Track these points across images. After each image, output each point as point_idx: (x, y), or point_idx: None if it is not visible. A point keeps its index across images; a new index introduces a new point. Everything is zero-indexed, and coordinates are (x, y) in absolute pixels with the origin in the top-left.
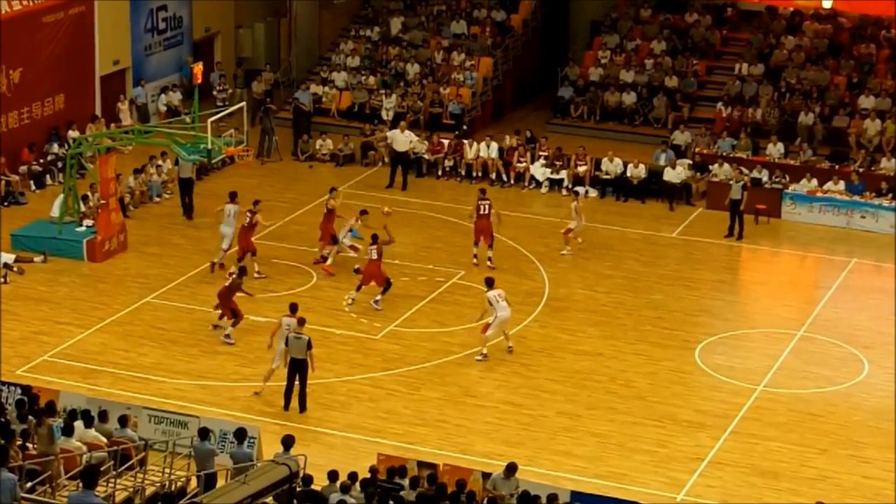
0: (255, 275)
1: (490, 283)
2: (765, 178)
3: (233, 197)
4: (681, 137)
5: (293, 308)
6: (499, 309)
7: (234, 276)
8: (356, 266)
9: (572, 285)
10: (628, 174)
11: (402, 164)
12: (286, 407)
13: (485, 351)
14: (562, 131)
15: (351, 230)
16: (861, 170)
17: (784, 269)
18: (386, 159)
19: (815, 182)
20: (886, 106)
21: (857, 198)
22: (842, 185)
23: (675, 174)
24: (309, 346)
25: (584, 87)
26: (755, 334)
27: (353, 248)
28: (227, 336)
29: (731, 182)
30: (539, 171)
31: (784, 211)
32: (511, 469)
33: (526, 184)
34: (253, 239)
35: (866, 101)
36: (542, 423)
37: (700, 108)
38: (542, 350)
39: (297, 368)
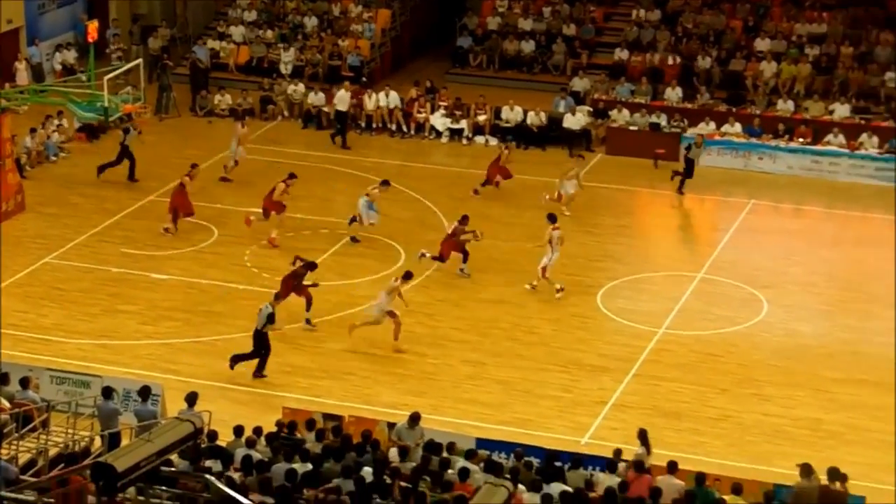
0: (163, 230)
1: (553, 220)
2: (663, 123)
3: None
4: (580, 84)
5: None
6: (555, 250)
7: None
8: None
9: None
10: (528, 122)
11: (342, 123)
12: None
13: (558, 286)
14: (461, 81)
15: (369, 204)
16: (759, 112)
17: (684, 211)
18: (286, 113)
19: (713, 125)
20: (782, 48)
21: (754, 140)
22: (739, 127)
23: (575, 121)
24: (269, 319)
25: (482, 37)
26: (656, 277)
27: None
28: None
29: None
30: (439, 121)
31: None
32: (415, 418)
33: (426, 134)
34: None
35: (762, 44)
36: (446, 371)
37: (598, 55)
38: (445, 300)
39: (254, 338)
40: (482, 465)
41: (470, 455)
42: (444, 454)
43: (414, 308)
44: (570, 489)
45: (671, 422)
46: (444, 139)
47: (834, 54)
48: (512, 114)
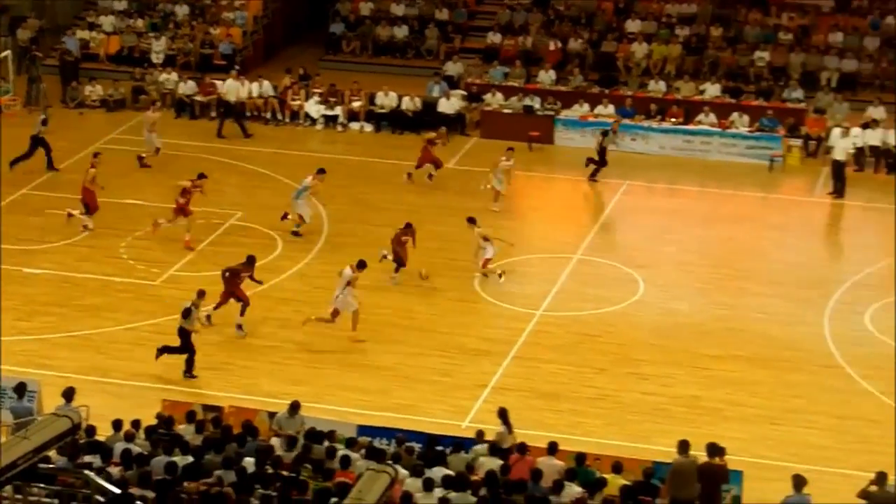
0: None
1: (473, 221)
2: (537, 106)
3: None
4: (453, 68)
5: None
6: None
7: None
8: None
9: (351, 221)
10: (403, 107)
11: (235, 114)
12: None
13: (499, 272)
14: (335, 68)
15: (303, 187)
16: (631, 93)
17: (559, 194)
18: (158, 103)
19: (586, 107)
20: (653, 29)
21: (627, 121)
22: (612, 108)
23: (450, 105)
24: (183, 314)
25: (355, 23)
26: (533, 259)
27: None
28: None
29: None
30: (313, 108)
31: (557, 137)
32: (294, 407)
33: (301, 121)
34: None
35: (633, 26)
36: (326, 359)
37: (471, 39)
38: (323, 287)
39: (178, 334)
40: (363, 452)
41: (351, 443)
42: (326, 442)
43: (291, 296)
44: (451, 473)
45: (551, 403)
46: (319, 126)
47: (704, 35)
48: (387, 99)
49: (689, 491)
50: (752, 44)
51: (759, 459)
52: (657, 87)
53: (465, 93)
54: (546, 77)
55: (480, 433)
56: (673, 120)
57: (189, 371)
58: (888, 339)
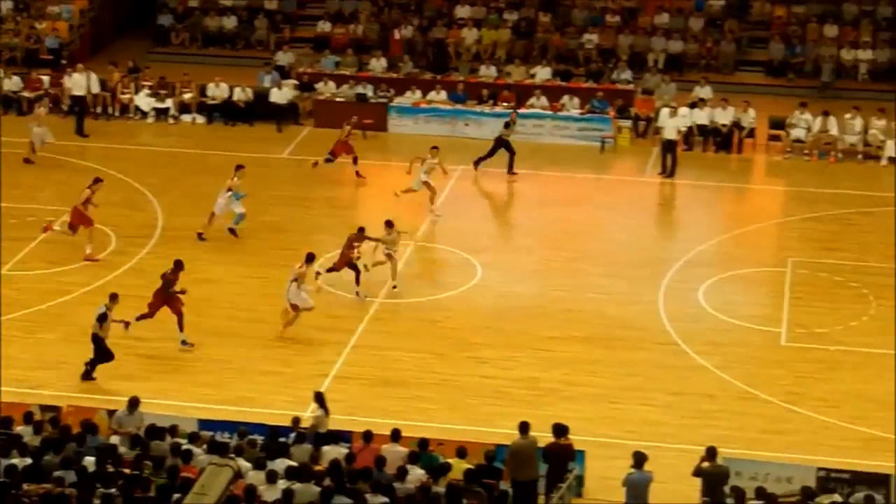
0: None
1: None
2: (370, 93)
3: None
4: (284, 58)
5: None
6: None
7: None
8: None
9: (186, 214)
10: (235, 98)
11: (80, 107)
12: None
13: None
14: (164, 60)
15: (230, 191)
16: (463, 79)
17: (395, 181)
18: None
19: (418, 94)
20: (482, 14)
21: (459, 106)
22: (444, 94)
23: (282, 95)
24: (99, 319)
25: (183, 14)
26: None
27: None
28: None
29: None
30: (144, 101)
31: (391, 124)
32: (133, 404)
33: (132, 115)
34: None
35: (463, 11)
36: (164, 354)
37: (301, 28)
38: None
39: (92, 341)
40: (205, 446)
41: (193, 437)
42: (169, 438)
43: (128, 292)
44: (295, 464)
45: (393, 389)
46: (150, 119)
47: (533, 19)
48: (218, 90)
49: (530, 472)
50: (581, 27)
51: (599, 438)
52: (488, 72)
53: (296, 82)
54: (378, 65)
55: (296, 419)
56: (505, 104)
57: (88, 375)
58: (721, 315)
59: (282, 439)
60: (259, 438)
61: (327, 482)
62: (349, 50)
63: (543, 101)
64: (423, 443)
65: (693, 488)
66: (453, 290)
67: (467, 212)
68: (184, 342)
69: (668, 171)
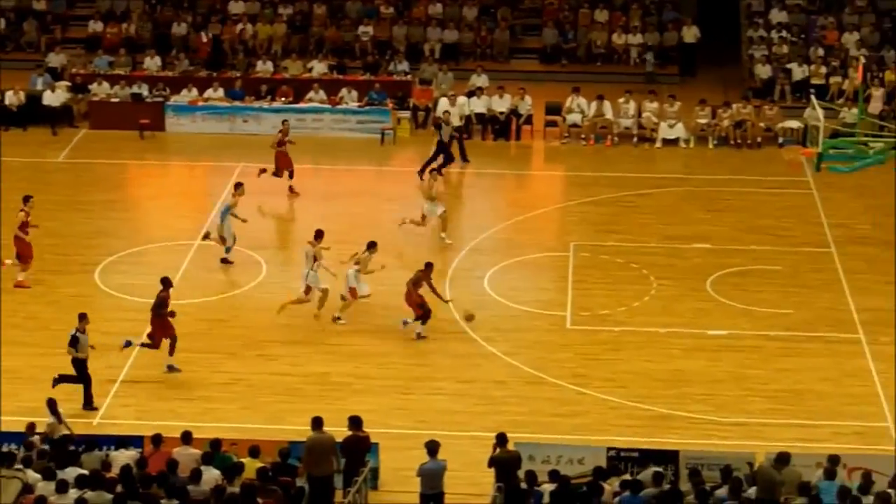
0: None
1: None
2: (145, 93)
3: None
4: (56, 59)
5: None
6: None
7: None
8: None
9: None
10: (7, 102)
11: None
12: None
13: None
14: None
15: (226, 208)
16: (240, 75)
17: (175, 180)
18: None
19: (195, 91)
20: (256, 10)
21: (237, 103)
22: (222, 91)
23: (55, 97)
24: (70, 342)
25: None
26: (154, 249)
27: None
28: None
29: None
30: None
31: (168, 123)
32: None
33: None
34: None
35: (236, 7)
36: None
37: (73, 29)
38: None
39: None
40: None
41: None
42: None
43: None
44: (85, 472)
45: (182, 391)
46: None
47: (307, 12)
48: None
49: (327, 467)
50: (356, 19)
51: (392, 430)
52: (265, 67)
53: (70, 84)
54: (152, 63)
55: (31, 426)
56: (283, 99)
57: (88, 403)
58: (507, 301)
59: (72, 447)
60: (47, 447)
61: (119, 489)
62: (122, 49)
63: (322, 94)
64: (216, 443)
65: (488, 474)
66: (240, 289)
67: (250, 209)
68: (170, 367)
69: (462, 157)
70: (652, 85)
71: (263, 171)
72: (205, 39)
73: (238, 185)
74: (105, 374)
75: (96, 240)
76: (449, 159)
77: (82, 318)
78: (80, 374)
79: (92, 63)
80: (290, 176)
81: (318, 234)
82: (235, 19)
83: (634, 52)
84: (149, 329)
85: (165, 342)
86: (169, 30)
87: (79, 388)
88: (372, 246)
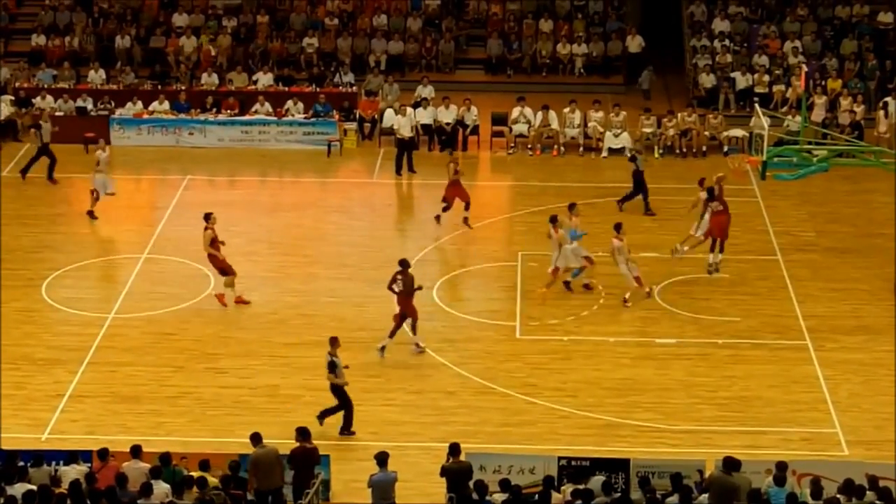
0: None
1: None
2: (90, 106)
3: None
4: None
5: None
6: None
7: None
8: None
9: None
10: None
11: None
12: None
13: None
14: None
15: (571, 232)
16: (185, 88)
17: (121, 194)
18: None
19: (140, 104)
20: (200, 22)
21: (183, 115)
22: (167, 105)
23: None
24: (329, 368)
25: None
26: (100, 263)
27: (587, 259)
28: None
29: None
30: None
31: (113, 137)
32: None
33: None
34: None
35: (180, 19)
36: None
37: (15, 42)
38: None
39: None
40: None
41: None
42: None
43: None
44: (34, 487)
45: (131, 406)
46: None
47: (252, 24)
48: None
49: (274, 479)
50: (300, 31)
51: (342, 441)
52: (210, 79)
53: (13, 97)
54: (97, 77)
55: None
56: (229, 112)
57: (347, 428)
58: (456, 312)
59: (20, 463)
60: None
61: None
62: (66, 63)
63: (267, 107)
64: (166, 457)
65: (439, 485)
66: (187, 302)
67: (196, 221)
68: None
69: (410, 168)
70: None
71: (442, 212)
72: (213, 52)
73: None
74: (53, 388)
75: (41, 254)
76: (637, 192)
77: (333, 342)
78: (342, 400)
79: (35, 77)
80: (466, 207)
81: (618, 226)
82: (179, 32)
83: (579, 62)
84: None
85: None
86: (112, 43)
87: None
88: (619, 227)
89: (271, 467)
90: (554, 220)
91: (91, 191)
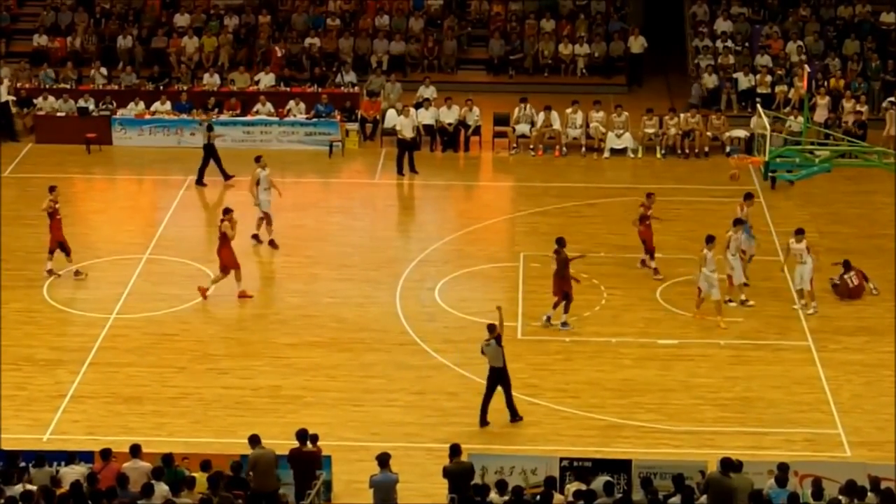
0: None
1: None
2: (92, 107)
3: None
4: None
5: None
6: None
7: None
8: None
9: None
10: None
11: None
12: (482, 422)
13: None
14: None
15: (745, 231)
16: (187, 88)
17: (122, 194)
18: None
19: (142, 105)
20: (201, 22)
21: (185, 116)
22: (169, 105)
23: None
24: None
25: None
26: (101, 263)
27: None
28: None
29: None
30: None
31: (115, 137)
32: None
33: None
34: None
35: (182, 19)
36: None
37: (17, 42)
38: None
39: (497, 377)
40: None
41: None
42: None
43: None
44: (34, 488)
45: (132, 406)
46: None
47: (253, 24)
48: None
49: (271, 482)
50: (302, 31)
51: (344, 442)
52: (212, 80)
53: (14, 98)
54: (98, 77)
55: None
56: (231, 112)
57: (514, 415)
58: (458, 312)
59: (22, 464)
60: None
61: None
62: (68, 63)
63: (269, 107)
64: (168, 458)
65: (441, 486)
66: (189, 302)
67: (198, 222)
68: (564, 324)
69: (412, 169)
70: (598, 95)
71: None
72: (279, 53)
73: (748, 196)
74: (54, 389)
75: (43, 254)
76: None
77: (492, 329)
78: (502, 383)
79: (37, 77)
80: (651, 256)
81: (710, 239)
82: (181, 32)
83: (581, 62)
84: None
85: None
86: (115, 43)
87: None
88: (710, 241)
89: (269, 469)
90: (710, 239)
91: (262, 216)
